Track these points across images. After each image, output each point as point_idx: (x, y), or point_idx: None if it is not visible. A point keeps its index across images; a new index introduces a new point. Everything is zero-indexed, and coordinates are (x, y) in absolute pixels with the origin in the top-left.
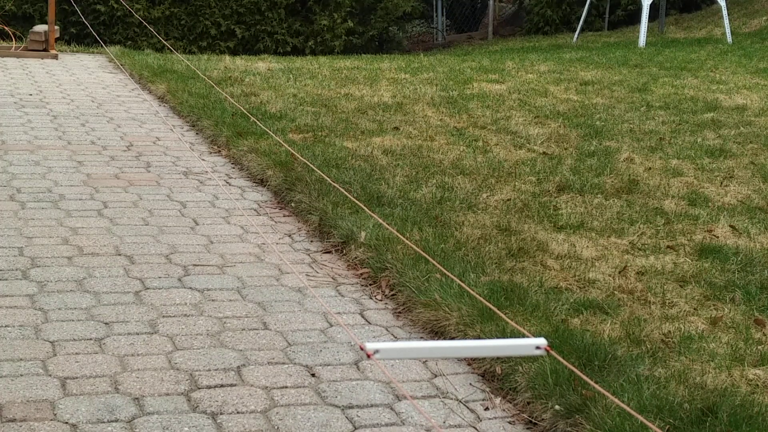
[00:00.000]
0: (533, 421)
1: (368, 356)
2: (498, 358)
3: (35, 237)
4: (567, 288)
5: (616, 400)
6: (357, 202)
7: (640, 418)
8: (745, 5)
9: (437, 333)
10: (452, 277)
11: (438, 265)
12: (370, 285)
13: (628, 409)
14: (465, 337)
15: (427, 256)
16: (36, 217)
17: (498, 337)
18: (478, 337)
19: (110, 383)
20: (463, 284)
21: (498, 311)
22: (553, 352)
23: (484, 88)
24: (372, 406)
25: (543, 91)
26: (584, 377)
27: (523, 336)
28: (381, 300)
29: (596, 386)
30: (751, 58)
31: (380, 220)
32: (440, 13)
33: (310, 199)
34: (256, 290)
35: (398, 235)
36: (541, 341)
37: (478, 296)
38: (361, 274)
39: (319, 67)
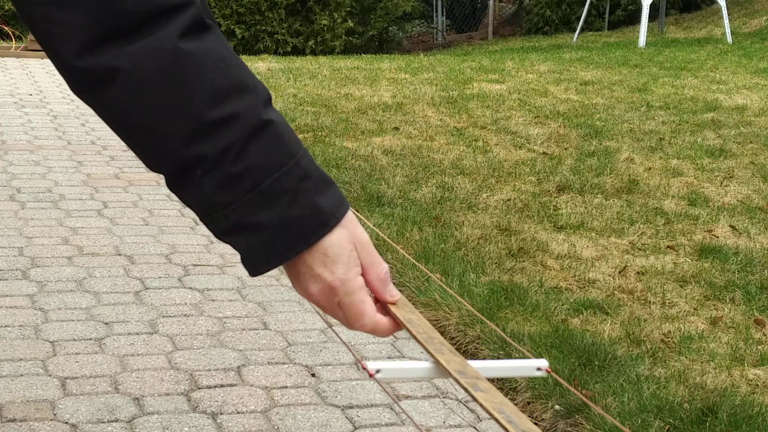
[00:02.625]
0: (533, 421)
1: (370, 375)
2: (498, 357)
3: (35, 237)
4: (567, 288)
5: (599, 409)
6: (355, 209)
7: (621, 426)
8: (745, 5)
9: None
10: (435, 278)
11: (426, 270)
12: None
13: (610, 418)
14: (465, 336)
15: (416, 263)
16: (36, 217)
17: (498, 337)
18: (478, 337)
19: (110, 383)
20: (450, 290)
21: (487, 321)
22: (554, 374)
23: (484, 88)
24: (372, 406)
25: (543, 91)
26: (580, 394)
27: (523, 336)
28: None
29: (582, 395)
30: (751, 58)
31: (373, 228)
32: (440, 13)
33: None
34: (256, 290)
35: (390, 242)
36: (543, 363)
37: (466, 303)
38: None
39: (319, 67)
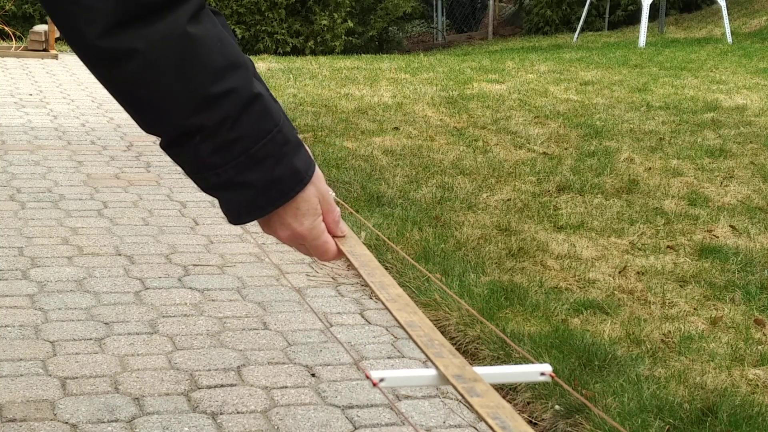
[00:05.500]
0: (533, 421)
1: (374, 384)
2: (498, 357)
3: (35, 237)
4: (567, 288)
5: (600, 411)
6: (355, 209)
7: (622, 430)
8: (745, 5)
9: None
10: (433, 277)
11: (426, 271)
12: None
13: (611, 421)
14: (465, 337)
15: (415, 264)
16: (36, 217)
17: (498, 337)
18: (478, 337)
19: (110, 383)
20: (448, 290)
21: (484, 320)
22: (558, 379)
23: (484, 88)
24: (372, 406)
25: (543, 91)
26: (583, 400)
27: (523, 336)
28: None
29: (584, 397)
30: (751, 58)
31: (372, 228)
32: (440, 13)
33: None
34: (256, 290)
35: (391, 244)
36: (546, 368)
37: (465, 305)
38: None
39: (319, 67)
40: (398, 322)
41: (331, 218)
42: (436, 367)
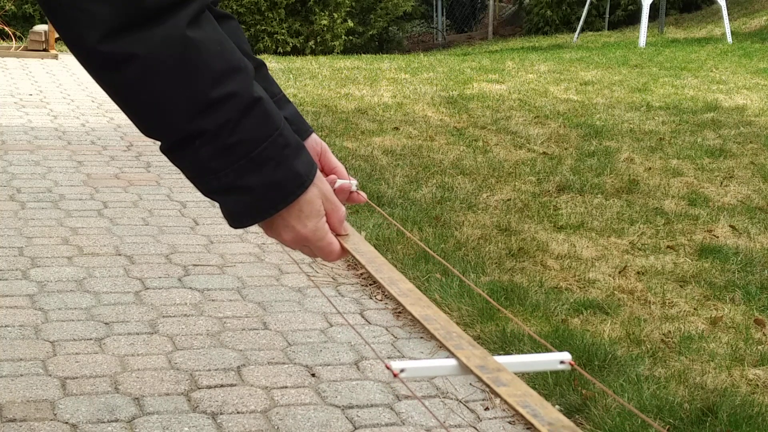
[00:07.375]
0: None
1: (395, 375)
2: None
3: (35, 237)
4: (567, 288)
5: (620, 399)
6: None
7: (640, 415)
8: (745, 5)
9: None
10: (456, 272)
11: (441, 259)
12: (370, 285)
13: (630, 407)
14: None
15: (432, 252)
16: (36, 217)
17: (498, 337)
18: (478, 337)
19: (110, 383)
20: (466, 279)
21: (503, 309)
22: (578, 368)
23: (484, 88)
24: (372, 406)
25: (543, 91)
26: (596, 380)
27: (523, 336)
28: (381, 300)
29: (602, 386)
30: (751, 58)
31: (392, 221)
32: (440, 13)
33: None
34: (256, 290)
35: (410, 235)
36: (566, 356)
37: (482, 293)
38: (361, 274)
39: (319, 67)
40: (414, 317)
41: (336, 218)
42: (457, 358)
